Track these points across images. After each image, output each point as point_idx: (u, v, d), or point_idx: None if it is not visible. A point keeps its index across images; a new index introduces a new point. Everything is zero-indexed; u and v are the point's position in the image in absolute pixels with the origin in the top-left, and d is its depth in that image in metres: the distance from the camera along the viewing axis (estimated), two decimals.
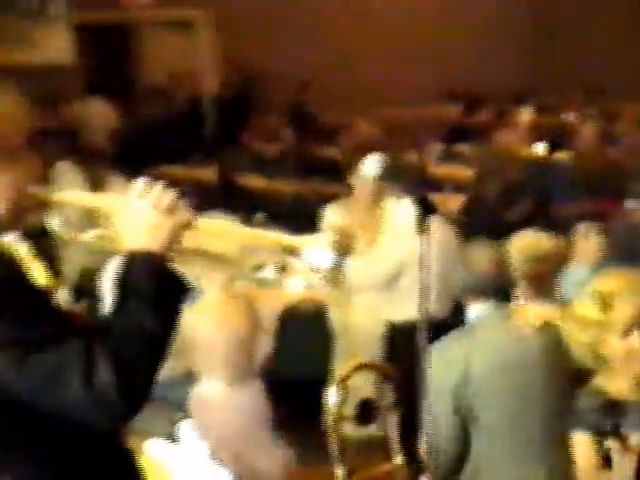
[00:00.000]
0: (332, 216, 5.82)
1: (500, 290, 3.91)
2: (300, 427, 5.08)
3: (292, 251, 2.23)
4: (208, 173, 10.00)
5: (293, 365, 5.40)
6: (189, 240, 2.28)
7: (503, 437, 3.37)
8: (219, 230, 2.32)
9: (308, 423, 5.31)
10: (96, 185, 6.80)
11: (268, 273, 2.29)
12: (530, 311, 3.93)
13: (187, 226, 2.23)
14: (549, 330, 3.73)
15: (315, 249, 2.21)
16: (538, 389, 3.59)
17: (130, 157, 9.90)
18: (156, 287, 2.14)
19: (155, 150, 11.13)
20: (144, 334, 2.10)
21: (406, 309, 4.84)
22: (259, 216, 6.91)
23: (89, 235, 2.39)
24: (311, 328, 5.71)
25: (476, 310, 3.81)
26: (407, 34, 12.57)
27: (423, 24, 12.69)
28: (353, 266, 5.29)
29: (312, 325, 5.68)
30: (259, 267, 2.31)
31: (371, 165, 4.99)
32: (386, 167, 4.99)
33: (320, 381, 5.67)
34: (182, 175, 10.54)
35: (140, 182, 2.22)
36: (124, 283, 2.15)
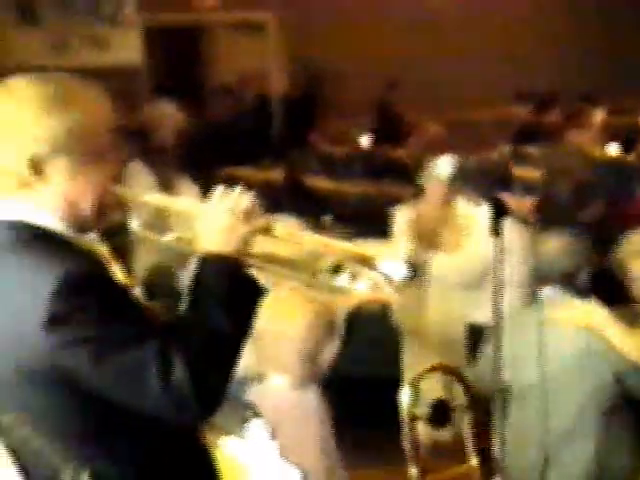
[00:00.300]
0: (402, 219, 5.81)
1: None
2: (367, 428, 5.09)
3: (366, 261, 2.24)
4: (275, 174, 10.06)
5: (357, 365, 5.39)
6: (262, 245, 2.32)
7: None
8: (293, 236, 2.35)
9: (376, 424, 5.33)
10: (165, 185, 6.86)
11: (343, 281, 2.30)
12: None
13: (262, 231, 2.28)
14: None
15: (388, 261, 2.22)
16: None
17: (198, 158, 10.00)
18: (229, 288, 2.18)
19: (223, 151, 11.22)
20: (217, 334, 2.13)
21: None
22: (327, 218, 6.91)
23: (168, 237, 2.42)
24: (376, 328, 5.70)
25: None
26: (477, 34, 12.51)
27: (493, 24, 12.61)
28: (441, 265, 5.30)
29: (377, 325, 5.67)
30: (332, 273, 2.31)
31: (444, 166, 5.00)
32: (459, 168, 4.99)
33: (385, 382, 5.72)
34: (249, 176, 10.62)
35: (220, 188, 2.26)
36: (198, 284, 2.18)
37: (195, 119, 11.59)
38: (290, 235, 2.34)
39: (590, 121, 10.24)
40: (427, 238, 5.51)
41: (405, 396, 2.63)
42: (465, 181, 4.71)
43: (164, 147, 8.07)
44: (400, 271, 2.20)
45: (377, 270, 2.21)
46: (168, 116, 11.16)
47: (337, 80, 12.06)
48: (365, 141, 9.60)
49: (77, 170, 2.20)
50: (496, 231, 2.78)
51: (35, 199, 2.20)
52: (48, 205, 2.21)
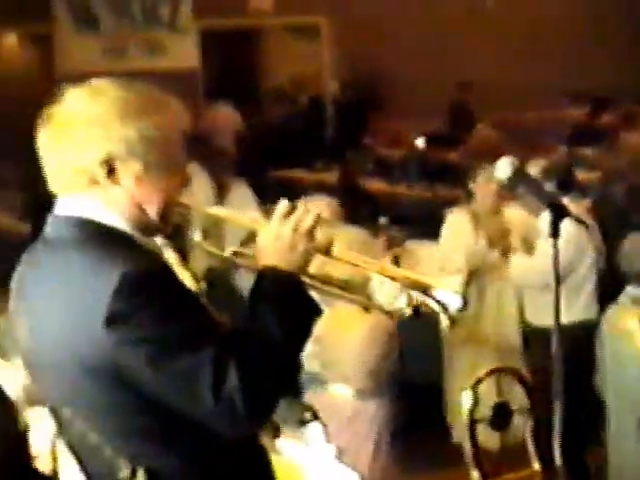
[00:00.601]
0: (455, 221, 5.78)
1: None
2: (420, 432, 5.08)
3: (424, 289, 2.27)
4: (330, 176, 10.08)
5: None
6: (320, 264, 2.35)
7: None
8: (353, 260, 2.35)
9: (428, 428, 5.31)
10: (221, 188, 6.90)
11: (401, 302, 2.31)
12: None
13: (322, 251, 2.29)
14: None
15: (445, 291, 2.25)
16: None
17: (253, 161, 10.03)
18: (287, 305, 2.18)
19: (277, 153, 11.25)
20: (272, 348, 2.13)
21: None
22: (382, 220, 6.90)
23: (228, 252, 2.44)
24: (424, 333, 5.67)
25: None
26: (531, 36, 12.43)
27: (548, 26, 12.52)
28: (518, 266, 5.26)
29: (425, 330, 5.64)
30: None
31: (503, 168, 4.93)
32: (516, 171, 4.94)
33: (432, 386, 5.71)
34: (303, 178, 10.67)
35: (284, 203, 2.27)
36: (256, 298, 2.19)
37: (251, 121, 11.67)
38: (349, 258, 2.34)
39: None
40: (488, 239, 5.48)
41: (466, 400, 2.62)
42: (526, 184, 4.62)
43: (222, 150, 8.13)
44: (455, 303, 2.24)
45: (434, 299, 2.24)
46: (226, 119, 11.27)
47: (391, 82, 12.04)
48: (421, 143, 9.55)
49: (148, 175, 2.21)
50: (555, 234, 2.75)
51: (104, 198, 2.22)
52: (115, 205, 2.22)
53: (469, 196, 5.86)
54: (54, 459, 2.85)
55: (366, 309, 2.45)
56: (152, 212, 2.24)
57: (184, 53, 11.87)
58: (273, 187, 10.58)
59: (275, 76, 12.86)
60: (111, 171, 2.18)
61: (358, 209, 7.96)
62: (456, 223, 5.67)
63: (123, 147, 2.17)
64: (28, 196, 7.88)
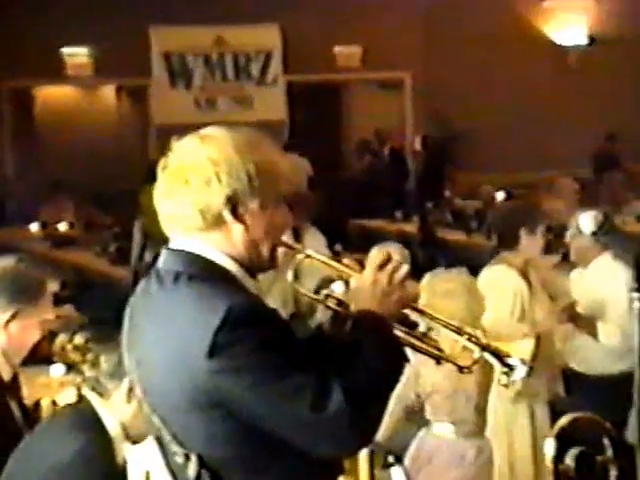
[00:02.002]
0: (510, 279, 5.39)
1: None
2: None
3: (499, 353, 2.33)
4: (409, 227, 10.08)
5: None
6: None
7: None
8: (435, 319, 2.40)
9: None
10: (296, 231, 6.93)
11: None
12: None
13: (410, 302, 2.33)
14: None
15: (515, 357, 2.31)
16: None
17: (335, 209, 10.06)
18: (384, 343, 2.23)
19: (361, 203, 11.28)
20: (375, 375, 2.16)
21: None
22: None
23: (321, 295, 2.46)
24: None
25: None
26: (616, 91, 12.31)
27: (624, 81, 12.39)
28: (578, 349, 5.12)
29: None
30: None
31: (587, 221, 4.84)
32: (602, 223, 4.81)
33: None
34: (385, 228, 10.68)
35: (380, 253, 2.30)
36: (356, 335, 2.23)
37: (334, 172, 11.72)
38: (432, 311, 2.40)
39: None
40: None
41: (549, 448, 2.58)
42: (610, 237, 4.49)
43: (302, 196, 8.18)
44: (520, 372, 2.30)
45: (504, 364, 2.31)
46: (301, 168, 11.33)
47: (470, 137, 12.03)
48: (500, 196, 9.55)
49: (263, 211, 2.24)
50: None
51: (220, 236, 2.24)
52: (232, 243, 2.25)
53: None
54: None
55: (438, 361, 2.46)
56: (265, 249, 2.27)
57: (272, 106, 12.01)
58: (355, 235, 10.61)
59: (359, 128, 12.93)
60: (234, 208, 2.21)
61: (436, 259, 7.93)
62: (511, 281, 4.96)
63: (245, 183, 2.20)
64: (122, 243, 8.04)
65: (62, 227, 9.20)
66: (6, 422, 3.10)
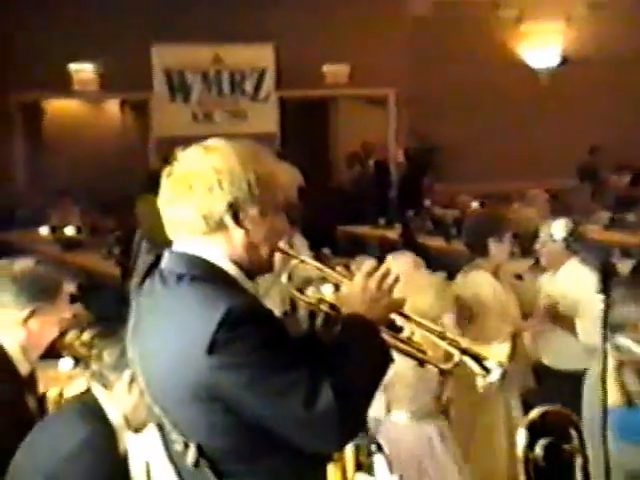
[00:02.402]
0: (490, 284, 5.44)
1: None
2: None
3: (477, 357, 2.36)
4: (391, 233, 10.09)
5: None
6: None
7: None
8: (420, 324, 2.42)
9: None
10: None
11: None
12: None
13: (397, 308, 2.37)
14: None
15: (492, 361, 2.33)
16: None
17: (322, 216, 10.07)
18: (371, 345, 2.25)
19: (347, 210, 11.29)
20: (362, 374, 2.18)
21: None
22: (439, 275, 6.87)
23: (312, 299, 2.47)
24: None
25: None
26: (579, 113, 12.35)
27: (595, 99, 12.43)
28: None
29: None
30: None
31: (559, 229, 4.88)
32: (572, 230, 4.85)
33: None
34: (369, 234, 10.69)
35: (370, 262, 2.32)
36: (344, 337, 2.24)
37: (322, 182, 11.73)
38: (417, 318, 2.42)
39: None
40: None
41: (520, 439, 2.60)
42: (579, 243, 4.54)
43: (292, 204, 8.20)
44: (496, 374, 2.32)
45: (482, 367, 2.33)
46: (294, 178, 11.34)
47: (450, 150, 12.06)
48: (474, 205, 9.59)
49: (263, 218, 2.24)
50: (605, 290, 2.73)
51: (221, 240, 2.24)
52: (232, 247, 2.24)
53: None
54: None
55: (422, 364, 2.48)
56: (263, 253, 2.27)
57: (264, 119, 12.02)
58: (342, 241, 10.61)
59: (346, 141, 12.94)
60: (235, 215, 2.21)
61: None
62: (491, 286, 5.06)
63: (245, 191, 2.20)
64: (124, 245, 8.03)
65: (69, 231, 9.20)
66: (23, 415, 3.10)
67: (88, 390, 3.06)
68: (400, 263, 4.72)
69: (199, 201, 2.21)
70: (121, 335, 2.82)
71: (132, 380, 2.91)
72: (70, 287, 3.42)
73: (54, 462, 2.84)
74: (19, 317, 3.20)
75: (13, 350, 3.23)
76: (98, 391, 3.03)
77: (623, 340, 4.02)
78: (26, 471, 2.91)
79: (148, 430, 2.69)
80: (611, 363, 3.77)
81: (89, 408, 3.00)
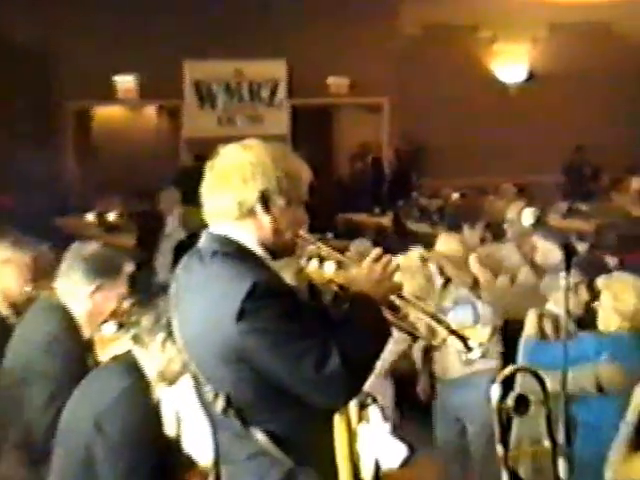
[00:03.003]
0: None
1: None
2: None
3: (460, 338, 2.34)
4: (384, 220, 10.08)
5: None
6: None
7: None
8: (415, 305, 2.40)
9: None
10: None
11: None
12: None
13: (396, 291, 2.34)
14: None
15: (473, 341, 2.32)
16: None
17: (328, 206, 10.06)
18: (374, 319, 2.24)
19: (348, 200, 11.28)
20: (365, 344, 2.18)
21: None
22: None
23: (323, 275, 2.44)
24: None
25: None
26: (545, 122, 12.28)
27: (555, 108, 12.38)
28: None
29: None
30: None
31: (527, 215, 4.91)
32: (539, 218, 4.88)
33: None
34: (366, 221, 10.68)
35: (376, 250, 2.30)
36: (352, 311, 2.23)
37: (326, 176, 11.71)
38: (414, 300, 2.40)
39: (629, 187, 9.99)
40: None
41: (495, 392, 2.58)
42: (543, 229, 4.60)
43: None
44: (477, 353, 2.32)
45: (466, 346, 2.32)
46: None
47: (434, 150, 12.06)
48: (455, 196, 9.60)
49: (288, 208, 2.23)
50: (567, 268, 2.71)
51: (251, 224, 2.23)
52: (260, 230, 2.23)
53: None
54: (178, 426, 2.86)
55: (415, 339, 2.47)
56: (288, 237, 2.26)
57: (278, 123, 11.96)
58: (342, 227, 10.60)
59: (346, 142, 12.92)
60: (265, 203, 2.20)
61: (406, 245, 7.89)
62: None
63: (275, 184, 2.19)
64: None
65: (111, 217, 9.20)
66: (85, 372, 3.12)
67: (129, 351, 3.05)
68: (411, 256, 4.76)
69: (235, 190, 2.20)
70: (154, 303, 2.83)
71: (165, 341, 2.90)
72: (129, 267, 3.45)
73: (101, 406, 2.84)
74: (87, 291, 3.28)
75: (80, 317, 3.31)
76: (136, 351, 3.02)
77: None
78: (78, 415, 2.91)
79: (180, 384, 2.68)
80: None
81: (129, 364, 2.99)
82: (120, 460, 2.76)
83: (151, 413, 2.87)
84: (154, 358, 3.00)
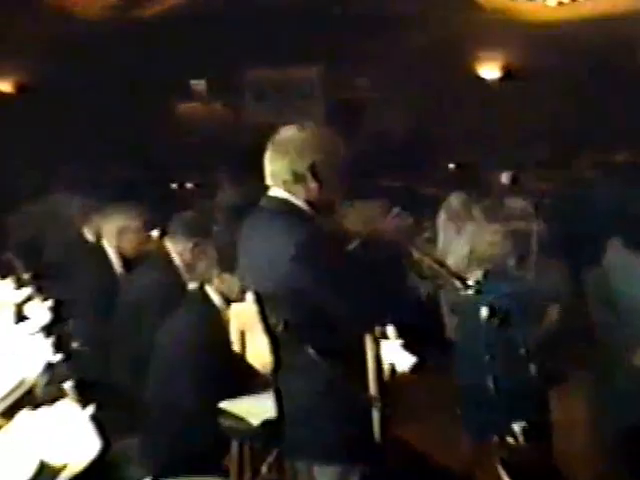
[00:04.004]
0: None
1: None
2: None
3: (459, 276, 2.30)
4: (399, 184, 9.86)
5: None
6: None
7: None
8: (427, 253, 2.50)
9: None
10: None
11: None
12: None
13: (412, 241, 2.47)
14: None
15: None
16: None
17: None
18: (394, 264, 2.34)
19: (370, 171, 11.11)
20: (386, 285, 2.21)
21: None
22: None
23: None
24: None
25: None
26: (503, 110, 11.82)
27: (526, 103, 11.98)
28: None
29: None
30: None
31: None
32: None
33: None
34: (381, 185, 10.49)
35: (396, 209, 2.34)
36: (378, 258, 2.30)
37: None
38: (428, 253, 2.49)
39: None
40: None
41: (484, 312, 2.51)
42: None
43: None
44: (474, 289, 2.27)
45: (465, 284, 2.28)
46: None
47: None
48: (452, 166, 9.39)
49: (330, 174, 2.21)
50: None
51: (301, 189, 2.21)
52: (304, 194, 2.22)
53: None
54: (242, 344, 2.84)
55: (423, 277, 2.44)
56: (330, 198, 2.26)
57: (313, 114, 11.69)
58: (369, 192, 10.40)
59: (370, 126, 12.38)
60: (314, 173, 2.18)
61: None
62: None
63: (322, 157, 2.20)
64: None
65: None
66: None
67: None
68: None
69: (291, 161, 2.17)
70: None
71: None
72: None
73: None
74: None
75: None
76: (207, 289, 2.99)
77: None
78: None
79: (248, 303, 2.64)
80: None
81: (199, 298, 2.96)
82: None
83: (221, 332, 2.84)
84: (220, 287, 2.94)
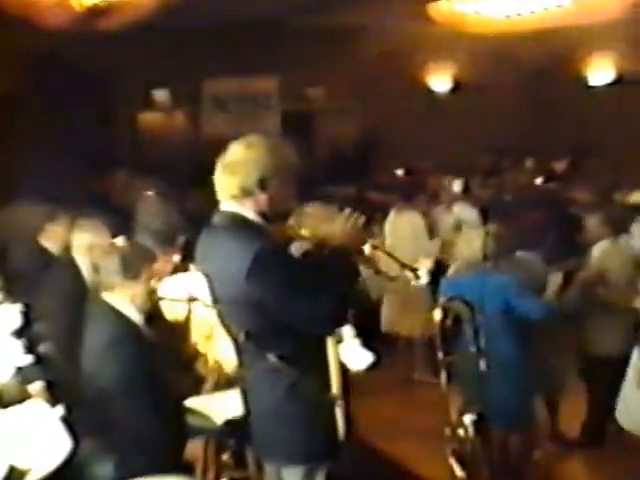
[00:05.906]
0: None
1: None
2: None
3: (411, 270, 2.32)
4: (350, 190, 10.00)
5: None
6: None
7: None
8: (380, 250, 2.37)
9: None
10: None
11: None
12: None
13: (364, 243, 2.30)
14: None
15: (421, 270, 2.31)
16: None
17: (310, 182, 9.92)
18: (349, 266, 2.20)
19: (326, 177, 11.20)
20: (342, 286, 2.14)
21: None
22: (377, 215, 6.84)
23: (306, 232, 2.39)
24: None
25: None
26: (473, 119, 11.95)
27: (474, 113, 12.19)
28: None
29: None
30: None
31: (457, 185, 4.96)
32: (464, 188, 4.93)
33: None
34: (335, 192, 10.60)
35: (347, 210, 2.30)
36: (331, 262, 2.18)
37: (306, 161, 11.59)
38: (382, 249, 2.38)
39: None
40: None
41: (438, 314, 2.55)
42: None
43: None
44: (425, 279, 2.32)
45: (416, 275, 2.32)
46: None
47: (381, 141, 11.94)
48: (400, 172, 9.59)
49: (280, 186, 2.19)
50: (485, 222, 2.71)
51: (251, 202, 2.19)
52: (258, 205, 2.20)
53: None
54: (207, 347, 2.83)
55: (377, 272, 2.46)
56: (280, 208, 2.23)
57: (271, 124, 11.71)
58: (321, 198, 10.47)
59: (323, 134, 12.60)
60: (262, 186, 2.16)
61: (364, 211, 7.82)
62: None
63: (271, 171, 2.17)
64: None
65: None
66: None
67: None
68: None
69: (239, 177, 2.16)
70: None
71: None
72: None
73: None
74: None
75: None
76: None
77: None
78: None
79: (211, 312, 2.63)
80: None
81: None
82: None
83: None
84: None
